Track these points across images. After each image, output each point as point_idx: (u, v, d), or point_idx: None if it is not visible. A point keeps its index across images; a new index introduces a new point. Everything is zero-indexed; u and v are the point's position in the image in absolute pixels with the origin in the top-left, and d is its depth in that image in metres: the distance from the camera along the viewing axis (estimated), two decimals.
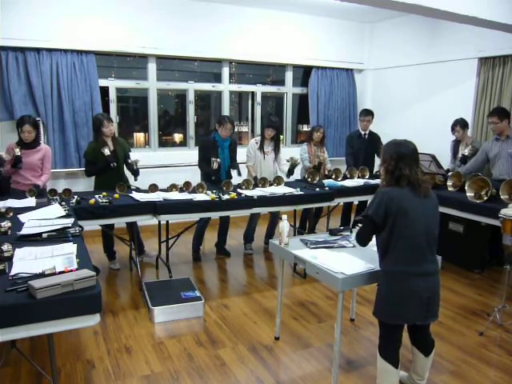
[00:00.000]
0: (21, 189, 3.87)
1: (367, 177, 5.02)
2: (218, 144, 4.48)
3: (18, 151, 3.78)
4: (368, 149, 5.30)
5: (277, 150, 4.82)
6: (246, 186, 4.31)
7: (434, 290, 2.24)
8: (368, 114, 5.34)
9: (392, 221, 2.14)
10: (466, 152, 4.57)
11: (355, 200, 5.06)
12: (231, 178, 4.67)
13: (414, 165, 2.21)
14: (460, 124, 4.77)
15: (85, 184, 5.21)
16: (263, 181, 4.47)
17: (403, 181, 2.18)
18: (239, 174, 4.66)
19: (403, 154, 2.19)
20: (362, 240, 2.35)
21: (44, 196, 3.70)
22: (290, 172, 4.76)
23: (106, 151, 4.01)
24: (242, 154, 4.94)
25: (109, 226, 4.17)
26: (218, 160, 4.34)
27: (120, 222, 3.95)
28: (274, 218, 5.01)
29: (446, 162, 4.95)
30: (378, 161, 5.62)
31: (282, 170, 4.88)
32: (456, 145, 4.94)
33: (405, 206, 2.14)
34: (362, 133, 5.35)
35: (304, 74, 6.77)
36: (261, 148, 4.75)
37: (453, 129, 4.83)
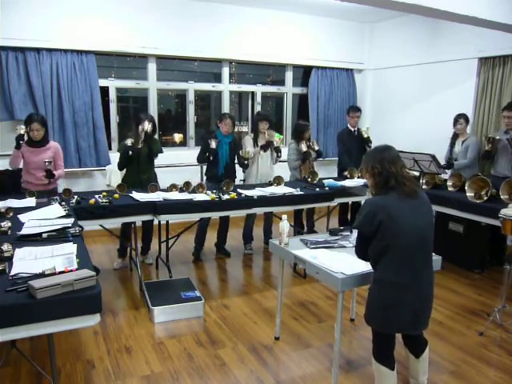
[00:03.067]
0: (32, 189, 3.86)
1: (357, 177, 5.00)
2: (219, 139, 4.52)
3: (23, 128, 3.77)
4: (360, 145, 5.28)
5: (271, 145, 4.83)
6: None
7: (426, 299, 2.19)
8: (357, 110, 5.33)
9: (381, 230, 2.09)
10: (488, 147, 4.49)
11: (355, 200, 5.07)
12: (235, 177, 4.69)
13: (398, 162, 2.20)
14: (464, 117, 4.79)
15: (85, 184, 5.22)
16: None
17: (391, 180, 2.14)
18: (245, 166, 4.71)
19: (385, 156, 2.19)
20: (358, 252, 2.30)
21: (44, 196, 3.70)
22: (277, 150, 4.82)
23: (128, 142, 4.17)
24: None
25: (128, 224, 4.19)
26: (216, 140, 4.45)
27: (119, 222, 3.97)
28: (268, 217, 5.02)
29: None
30: None
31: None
32: (454, 138, 4.94)
33: (393, 215, 2.08)
34: (352, 129, 5.33)
35: (304, 73, 6.77)
36: (256, 144, 4.75)
37: (456, 121, 4.82)
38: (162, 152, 4.49)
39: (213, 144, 4.40)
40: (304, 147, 4.79)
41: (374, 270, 2.23)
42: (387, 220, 2.08)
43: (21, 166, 3.99)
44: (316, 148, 5.00)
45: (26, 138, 3.83)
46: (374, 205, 2.15)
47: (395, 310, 2.14)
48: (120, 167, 4.41)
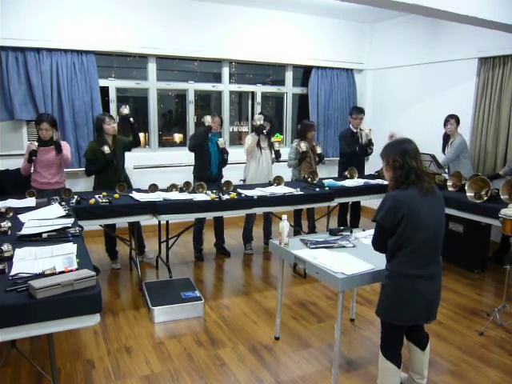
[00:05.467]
0: (39, 188, 3.89)
1: (357, 177, 5.00)
2: (210, 136, 4.51)
3: (36, 145, 3.85)
4: (362, 147, 5.26)
5: (269, 146, 4.82)
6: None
7: (437, 291, 2.26)
8: (361, 111, 5.30)
9: (402, 225, 2.11)
10: None
11: (355, 200, 5.07)
12: (222, 177, 4.67)
13: (418, 157, 2.22)
14: (455, 118, 4.79)
15: (85, 184, 5.22)
16: None
17: (411, 174, 2.15)
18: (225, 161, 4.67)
19: (407, 149, 2.20)
20: (376, 246, 2.31)
21: (44, 195, 3.71)
22: (277, 154, 4.79)
23: (106, 149, 4.03)
24: (240, 153, 4.96)
25: (110, 225, 4.17)
26: (208, 118, 4.43)
27: (120, 222, 3.97)
28: (268, 217, 5.02)
29: None
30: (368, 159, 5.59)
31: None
32: (446, 138, 4.93)
33: (415, 209, 2.12)
34: (354, 131, 5.31)
35: (304, 74, 6.77)
36: (257, 144, 4.76)
37: (447, 121, 4.82)
38: (131, 143, 4.37)
39: (206, 121, 4.39)
40: (303, 147, 4.76)
41: (388, 263, 2.25)
42: (410, 215, 2.11)
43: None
44: (318, 151, 4.98)
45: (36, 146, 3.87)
46: (396, 200, 2.15)
47: (411, 301, 2.18)
48: (89, 174, 4.29)
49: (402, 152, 2.18)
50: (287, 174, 5.06)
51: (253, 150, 4.76)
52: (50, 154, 3.98)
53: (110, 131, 4.14)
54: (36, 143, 3.87)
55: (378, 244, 2.28)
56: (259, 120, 4.69)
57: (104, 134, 4.13)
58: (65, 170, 4.68)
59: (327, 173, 6.00)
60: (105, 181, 4.17)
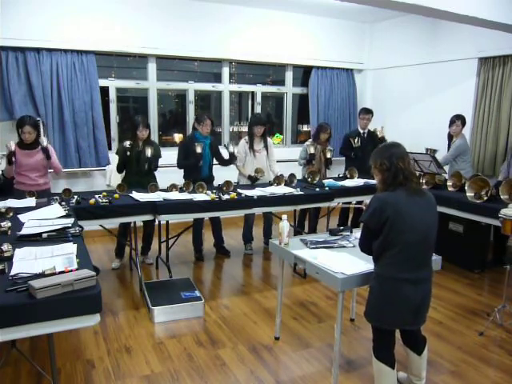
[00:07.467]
0: (25, 189, 3.87)
1: (357, 177, 5.00)
2: (199, 141, 4.48)
3: (12, 146, 3.80)
4: (367, 147, 5.25)
5: (266, 147, 4.82)
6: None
7: (425, 295, 2.21)
8: (368, 112, 5.32)
9: (387, 226, 2.10)
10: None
11: (355, 200, 5.07)
12: (213, 179, 4.66)
13: (406, 158, 2.21)
14: (461, 119, 4.75)
15: (85, 184, 5.22)
16: (258, 172, 4.59)
17: (399, 175, 2.15)
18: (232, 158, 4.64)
19: (394, 152, 2.21)
20: (362, 247, 2.30)
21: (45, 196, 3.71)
22: (253, 180, 4.70)
23: (127, 143, 4.17)
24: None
25: (125, 225, 4.20)
26: (201, 144, 4.36)
27: (119, 222, 3.97)
28: (269, 217, 5.02)
29: None
30: None
31: (272, 171, 4.89)
32: (450, 139, 4.91)
33: (401, 211, 2.10)
34: (361, 131, 5.33)
35: (304, 74, 6.78)
36: (251, 147, 4.76)
37: (453, 122, 4.77)
38: (160, 157, 4.48)
39: (198, 149, 4.32)
40: (312, 149, 4.82)
41: (375, 265, 2.24)
42: (395, 216, 2.10)
43: None
44: (327, 156, 5.00)
45: (14, 148, 3.84)
46: (382, 201, 2.15)
47: (396, 306, 2.16)
48: (118, 169, 4.42)
49: (389, 155, 2.19)
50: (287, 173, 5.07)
51: (243, 158, 4.78)
52: (35, 157, 3.93)
53: (140, 137, 4.25)
54: (13, 146, 3.81)
55: (365, 245, 2.28)
56: (260, 174, 4.72)
57: (136, 135, 4.24)
58: (64, 170, 4.70)
59: (327, 173, 5.98)
60: (126, 177, 4.37)
